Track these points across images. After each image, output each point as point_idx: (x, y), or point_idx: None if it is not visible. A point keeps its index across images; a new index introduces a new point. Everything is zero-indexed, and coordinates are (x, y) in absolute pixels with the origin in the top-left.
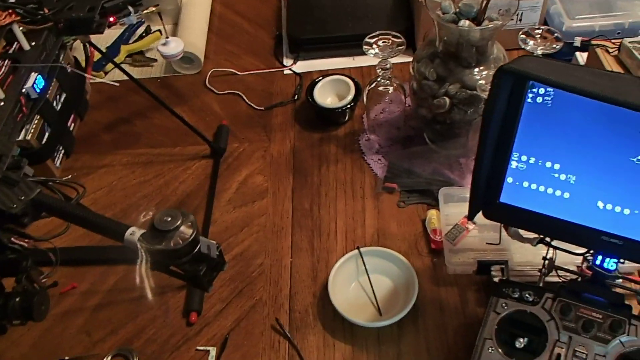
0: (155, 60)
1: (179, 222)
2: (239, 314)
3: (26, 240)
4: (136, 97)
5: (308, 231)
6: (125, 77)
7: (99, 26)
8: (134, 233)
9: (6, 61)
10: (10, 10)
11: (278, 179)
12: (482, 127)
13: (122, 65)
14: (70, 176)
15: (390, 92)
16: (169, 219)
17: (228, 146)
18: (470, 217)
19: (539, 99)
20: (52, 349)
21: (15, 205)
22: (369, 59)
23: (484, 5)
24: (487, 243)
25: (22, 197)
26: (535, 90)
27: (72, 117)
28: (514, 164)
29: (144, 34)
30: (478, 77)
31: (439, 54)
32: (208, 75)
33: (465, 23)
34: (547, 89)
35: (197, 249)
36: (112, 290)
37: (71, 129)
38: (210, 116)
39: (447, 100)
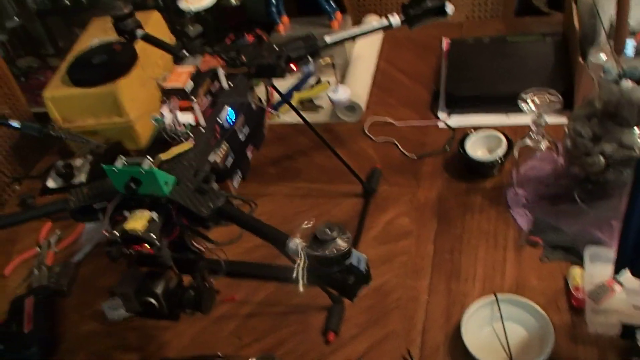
0: (322, 107)
1: (336, 235)
2: (372, 341)
3: (203, 245)
4: (301, 138)
5: (446, 274)
6: (294, 121)
7: (282, 71)
8: (295, 242)
9: (208, 97)
10: (217, 56)
11: (422, 223)
12: (634, 178)
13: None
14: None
15: (542, 148)
16: (329, 231)
17: (378, 188)
18: (616, 271)
19: None
20: (208, 345)
21: (204, 211)
22: (523, 117)
23: None
24: (634, 306)
25: (211, 205)
26: None
27: (251, 147)
28: None
29: (314, 85)
30: (638, 137)
31: (597, 113)
32: (368, 124)
33: (628, 84)
34: None
35: (349, 260)
36: (262, 303)
37: (249, 156)
38: (365, 160)
39: (602, 159)
